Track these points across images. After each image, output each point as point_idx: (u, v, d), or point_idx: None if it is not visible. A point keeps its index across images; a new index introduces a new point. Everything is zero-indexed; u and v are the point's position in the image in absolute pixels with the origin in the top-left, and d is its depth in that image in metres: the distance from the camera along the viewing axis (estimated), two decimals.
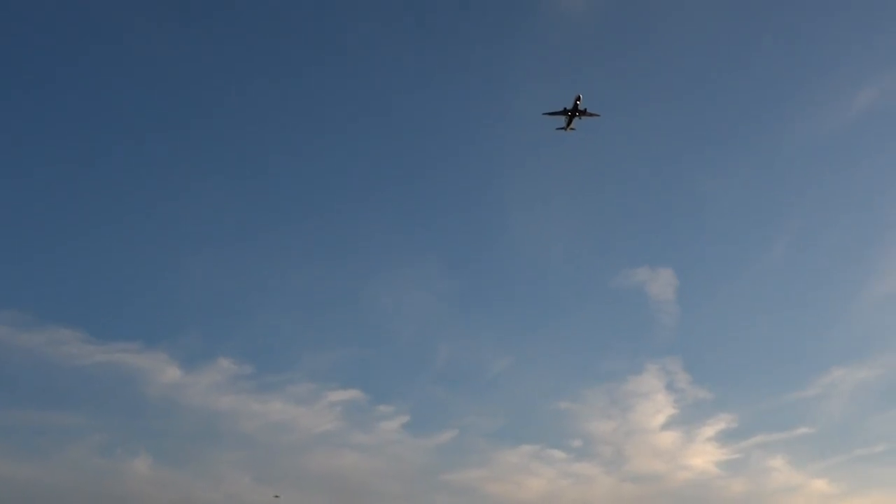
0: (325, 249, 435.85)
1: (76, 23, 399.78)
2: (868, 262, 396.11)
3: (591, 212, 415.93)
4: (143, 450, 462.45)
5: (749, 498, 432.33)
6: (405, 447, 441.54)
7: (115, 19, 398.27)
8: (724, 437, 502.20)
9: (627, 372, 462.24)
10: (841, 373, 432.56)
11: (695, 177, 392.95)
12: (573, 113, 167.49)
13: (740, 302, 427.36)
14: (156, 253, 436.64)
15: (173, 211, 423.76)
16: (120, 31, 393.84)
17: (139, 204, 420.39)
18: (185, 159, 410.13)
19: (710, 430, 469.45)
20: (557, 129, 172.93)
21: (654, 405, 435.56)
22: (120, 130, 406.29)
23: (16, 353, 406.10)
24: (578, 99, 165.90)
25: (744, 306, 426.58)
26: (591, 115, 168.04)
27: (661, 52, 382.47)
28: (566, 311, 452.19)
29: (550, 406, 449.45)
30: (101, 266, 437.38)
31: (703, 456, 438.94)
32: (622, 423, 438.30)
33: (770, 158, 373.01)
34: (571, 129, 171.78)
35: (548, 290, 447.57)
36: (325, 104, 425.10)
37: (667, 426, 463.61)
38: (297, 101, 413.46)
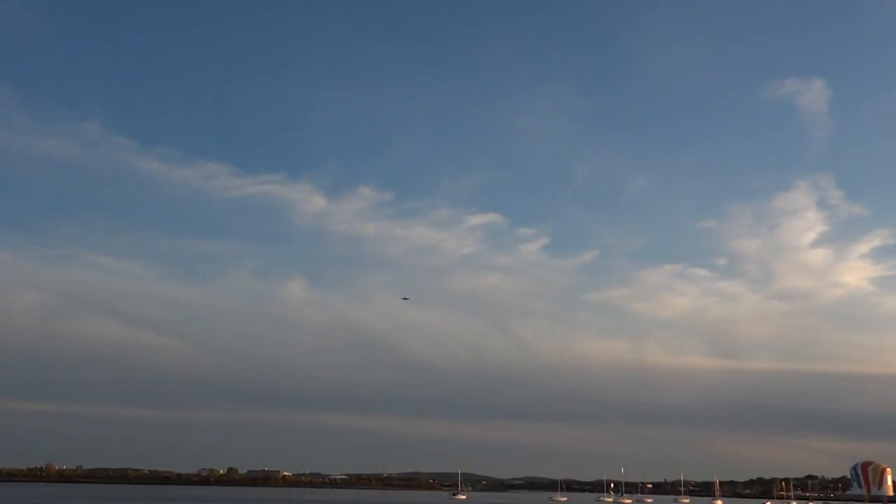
0: (457, 75, 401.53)
1: None
2: None
3: (734, 19, 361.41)
4: (296, 274, 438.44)
5: None
6: (546, 268, 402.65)
7: None
8: (880, 254, 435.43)
9: (775, 189, 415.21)
10: None
11: None
12: None
13: None
14: (295, 89, 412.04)
15: (308, 49, 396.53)
16: None
17: (280, 45, 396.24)
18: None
19: (864, 246, 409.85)
20: None
21: (803, 222, 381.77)
22: None
23: (172, 187, 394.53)
24: None
25: None
26: None
27: None
28: (708, 126, 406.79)
29: (693, 225, 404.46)
30: (243, 103, 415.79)
31: (857, 273, 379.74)
32: (769, 240, 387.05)
33: None
34: None
35: (688, 104, 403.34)
36: None
37: (817, 243, 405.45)
38: None
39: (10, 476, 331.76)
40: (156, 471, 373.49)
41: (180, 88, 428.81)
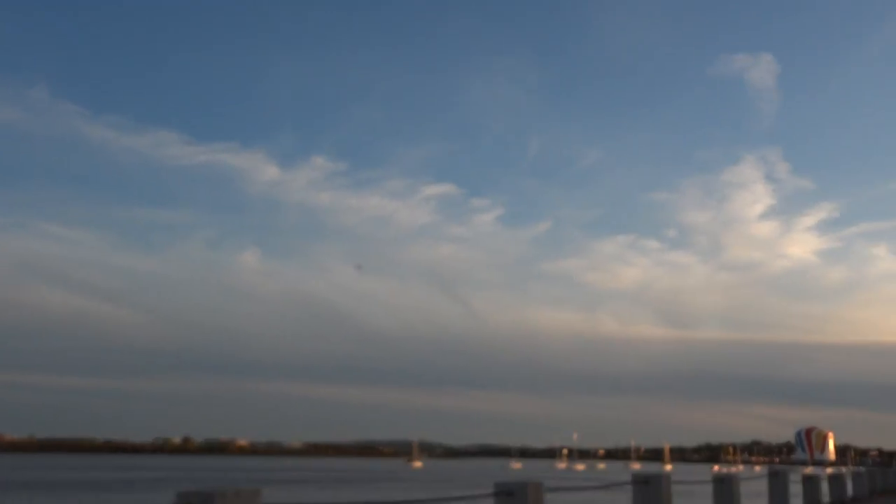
0: (413, 44, 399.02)
1: None
2: None
3: None
4: (250, 244, 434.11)
5: (848, 285, 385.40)
6: (501, 239, 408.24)
7: None
8: (825, 226, 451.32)
9: (724, 162, 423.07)
10: None
11: None
12: None
13: (847, 87, 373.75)
14: (247, 56, 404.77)
15: (261, 16, 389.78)
16: None
17: (232, 11, 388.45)
18: None
19: (809, 219, 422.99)
20: None
21: (751, 195, 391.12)
22: None
23: (122, 155, 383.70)
24: None
25: (850, 91, 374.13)
26: None
27: None
28: (660, 100, 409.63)
29: (645, 197, 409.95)
30: (195, 69, 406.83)
31: (802, 245, 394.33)
32: (718, 213, 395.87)
33: None
34: None
35: (640, 79, 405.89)
36: None
37: (764, 216, 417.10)
38: None
39: None
40: (110, 440, 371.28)
41: (129, 54, 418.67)
